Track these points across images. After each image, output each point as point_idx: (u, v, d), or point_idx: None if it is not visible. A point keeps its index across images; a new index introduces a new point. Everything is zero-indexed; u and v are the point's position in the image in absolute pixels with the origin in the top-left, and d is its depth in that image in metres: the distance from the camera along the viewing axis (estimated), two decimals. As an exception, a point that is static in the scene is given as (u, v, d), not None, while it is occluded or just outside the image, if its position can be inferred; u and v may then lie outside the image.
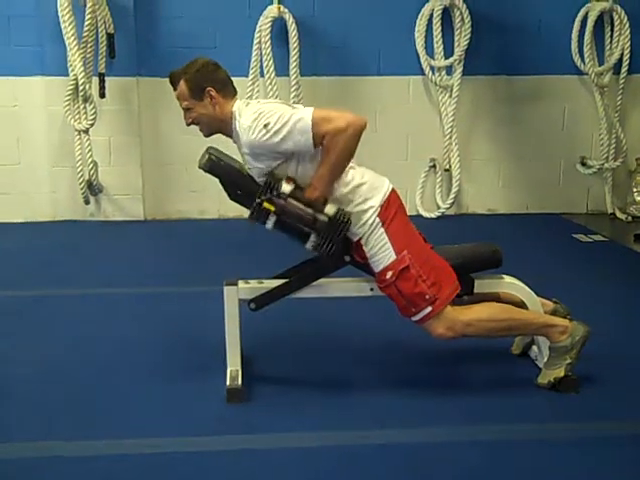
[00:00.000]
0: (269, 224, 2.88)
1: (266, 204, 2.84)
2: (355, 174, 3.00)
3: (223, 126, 3.04)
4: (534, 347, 3.32)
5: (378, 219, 2.94)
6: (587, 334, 3.07)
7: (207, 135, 3.12)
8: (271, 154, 2.90)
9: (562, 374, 3.03)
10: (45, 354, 3.51)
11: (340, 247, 2.90)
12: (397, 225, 2.96)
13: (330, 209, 2.87)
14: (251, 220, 2.92)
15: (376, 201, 2.95)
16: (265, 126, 2.83)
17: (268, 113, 2.86)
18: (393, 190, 3.03)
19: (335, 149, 2.84)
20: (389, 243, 2.92)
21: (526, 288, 3.21)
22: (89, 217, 6.24)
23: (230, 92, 3.05)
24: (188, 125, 3.10)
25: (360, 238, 2.96)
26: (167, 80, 3.09)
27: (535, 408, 2.97)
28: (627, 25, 6.30)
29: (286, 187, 2.86)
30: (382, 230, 2.93)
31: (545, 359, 3.13)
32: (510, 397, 3.05)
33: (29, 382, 3.21)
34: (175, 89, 3.04)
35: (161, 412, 2.94)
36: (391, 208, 2.97)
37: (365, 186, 2.97)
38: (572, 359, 3.04)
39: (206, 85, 2.98)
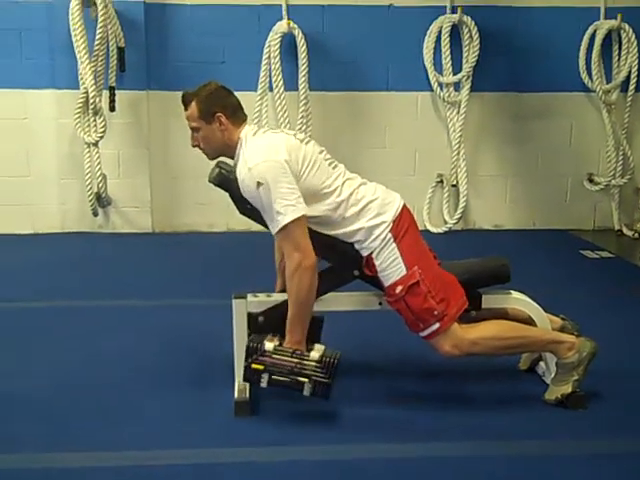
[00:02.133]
0: (263, 382, 2.93)
1: (254, 365, 2.92)
2: (367, 191, 3.03)
3: (228, 150, 3.08)
4: (541, 363, 3.33)
5: (390, 234, 2.96)
6: (594, 350, 3.07)
7: (212, 158, 3.17)
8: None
9: (569, 390, 3.04)
10: (52, 366, 3.52)
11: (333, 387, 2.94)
12: (408, 240, 2.98)
13: (315, 354, 2.92)
14: (245, 382, 3.00)
15: (388, 216, 2.98)
16: (258, 183, 2.86)
17: (270, 172, 2.87)
18: (405, 206, 3.06)
19: (291, 296, 2.92)
20: (400, 258, 2.94)
21: (534, 304, 3.21)
22: (97, 229, 6.27)
23: (239, 118, 3.08)
24: (193, 146, 3.13)
25: (371, 252, 2.98)
26: (177, 94, 3.15)
27: (542, 424, 2.97)
28: (635, 43, 6.32)
29: (269, 345, 2.93)
30: (394, 245, 2.95)
31: (552, 375, 3.13)
32: (517, 413, 3.06)
33: (38, 393, 3.22)
34: (186, 109, 3.07)
35: (169, 424, 2.96)
36: (403, 223, 3.00)
37: (377, 202, 3.00)
38: (579, 375, 3.04)
39: (217, 110, 3.01)
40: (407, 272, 2.93)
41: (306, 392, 2.92)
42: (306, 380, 2.90)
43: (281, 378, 2.92)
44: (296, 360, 2.91)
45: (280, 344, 2.95)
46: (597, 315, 4.11)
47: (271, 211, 2.87)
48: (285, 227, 2.85)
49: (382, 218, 2.98)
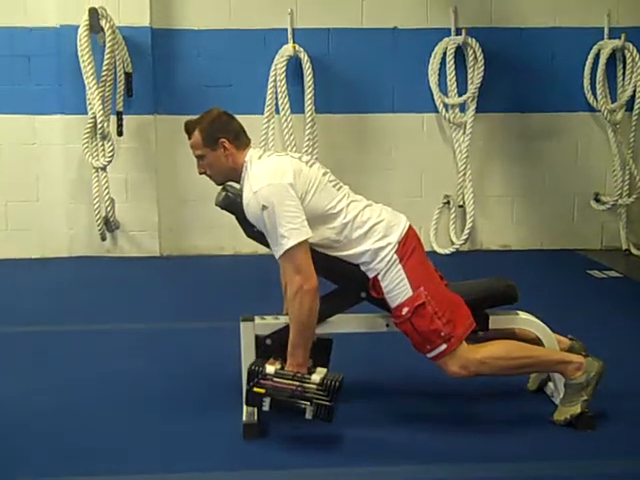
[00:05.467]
0: (265, 406, 2.94)
1: (256, 389, 2.92)
2: (372, 212, 3.04)
3: (235, 175, 3.11)
4: (550, 383, 3.32)
5: (396, 256, 2.97)
6: (602, 370, 3.06)
7: (219, 183, 3.19)
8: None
9: (578, 411, 3.02)
10: (61, 390, 3.53)
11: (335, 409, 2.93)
12: (414, 262, 2.99)
13: (316, 376, 2.92)
14: (247, 406, 3.00)
15: (394, 238, 2.99)
16: (263, 206, 2.89)
17: (275, 196, 2.89)
18: (410, 227, 3.07)
19: (292, 320, 2.93)
20: (406, 279, 2.95)
21: (541, 324, 3.21)
22: (105, 253, 6.29)
23: (243, 142, 3.11)
24: (200, 174, 3.16)
25: (377, 274, 2.99)
26: (184, 118, 3.17)
27: (551, 445, 2.95)
28: (639, 63, 6.35)
29: (270, 369, 2.93)
30: (399, 266, 2.96)
31: (561, 396, 3.12)
32: (526, 434, 3.04)
33: (45, 417, 3.22)
34: (190, 138, 3.10)
35: (178, 447, 2.95)
36: (409, 245, 3.00)
37: (382, 224, 3.01)
38: (588, 395, 3.03)
39: (220, 135, 3.04)
40: (413, 293, 2.94)
41: (308, 415, 2.91)
42: (308, 403, 2.89)
43: (283, 401, 2.91)
44: (297, 383, 2.90)
45: (282, 367, 2.95)
46: (605, 335, 4.10)
47: (275, 235, 2.89)
48: (288, 251, 2.87)
49: (388, 240, 2.98)
